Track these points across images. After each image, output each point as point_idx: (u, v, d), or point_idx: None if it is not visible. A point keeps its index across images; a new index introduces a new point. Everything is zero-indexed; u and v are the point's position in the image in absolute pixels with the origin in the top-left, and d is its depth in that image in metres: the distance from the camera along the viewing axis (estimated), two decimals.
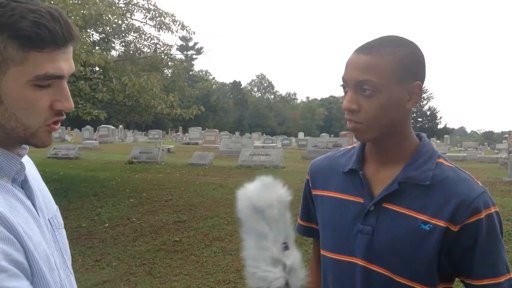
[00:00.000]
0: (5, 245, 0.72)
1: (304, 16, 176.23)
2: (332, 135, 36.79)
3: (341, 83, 1.10)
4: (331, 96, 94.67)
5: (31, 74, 0.77)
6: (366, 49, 1.05)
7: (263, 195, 0.86)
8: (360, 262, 1.11)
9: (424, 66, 1.09)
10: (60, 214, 1.02)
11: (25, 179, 0.88)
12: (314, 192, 1.27)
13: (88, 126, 26.21)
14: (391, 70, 1.03)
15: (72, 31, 0.80)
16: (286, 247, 0.85)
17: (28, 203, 0.85)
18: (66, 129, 33.61)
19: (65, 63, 0.80)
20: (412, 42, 1.08)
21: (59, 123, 0.85)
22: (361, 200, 1.13)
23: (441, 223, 1.04)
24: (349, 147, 1.28)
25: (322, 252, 1.23)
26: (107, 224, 6.48)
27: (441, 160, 1.13)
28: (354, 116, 1.07)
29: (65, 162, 13.59)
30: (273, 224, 0.84)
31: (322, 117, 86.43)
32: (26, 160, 0.95)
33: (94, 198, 7.89)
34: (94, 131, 27.49)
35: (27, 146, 0.90)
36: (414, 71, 1.06)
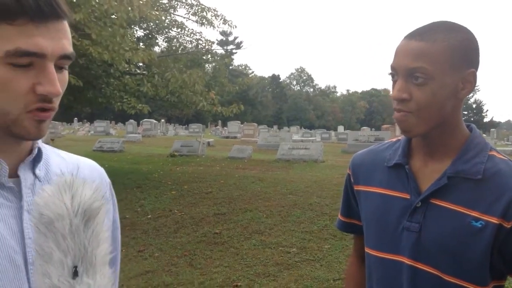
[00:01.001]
0: None
1: (345, 7, 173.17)
2: (373, 129, 36.10)
3: (390, 71, 1.05)
4: (372, 88, 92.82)
5: (1, 50, 0.66)
6: (417, 35, 1.00)
7: (53, 202, 0.64)
8: (406, 260, 1.07)
9: (478, 53, 1.03)
10: None
11: (29, 182, 0.77)
12: (356, 188, 1.23)
13: (131, 120, 27.02)
14: (444, 57, 0.98)
15: (56, 4, 0.69)
16: (75, 273, 0.63)
17: (5, 213, 0.73)
18: (110, 123, 34.73)
19: (47, 40, 0.68)
20: (466, 28, 1.02)
21: (49, 112, 0.73)
22: (407, 196, 1.09)
23: (494, 220, 0.99)
24: (394, 139, 1.22)
25: (366, 249, 1.19)
26: (149, 216, 6.66)
27: (493, 152, 1.07)
28: (404, 105, 1.01)
29: (109, 155, 14.05)
30: (61, 241, 0.63)
31: (362, 110, 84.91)
32: (70, 164, 0.87)
33: (137, 190, 8.13)
34: (137, 125, 28.26)
35: (37, 147, 0.80)
36: (468, 57, 1.01)
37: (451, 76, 0.99)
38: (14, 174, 0.76)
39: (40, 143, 0.82)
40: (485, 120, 68.54)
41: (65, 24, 0.72)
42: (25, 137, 0.73)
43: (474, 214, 1.01)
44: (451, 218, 1.01)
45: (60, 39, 0.70)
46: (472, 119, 66.60)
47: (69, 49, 0.73)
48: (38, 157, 0.80)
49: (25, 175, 0.77)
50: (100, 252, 0.65)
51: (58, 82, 0.71)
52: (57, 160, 0.86)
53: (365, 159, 1.24)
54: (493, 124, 65.60)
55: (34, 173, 0.79)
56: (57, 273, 0.62)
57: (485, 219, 1.00)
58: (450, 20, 1.04)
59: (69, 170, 0.82)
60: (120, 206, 7.17)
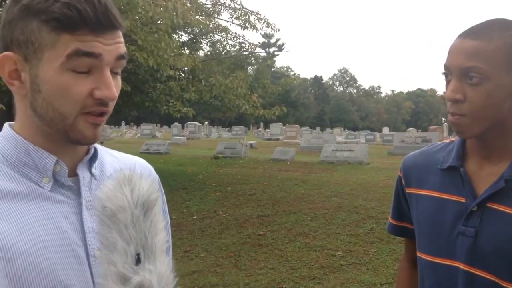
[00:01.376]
0: None
1: (388, 6, 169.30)
2: (420, 130, 35.06)
3: (443, 71, 1.02)
4: (418, 88, 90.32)
5: (63, 55, 0.72)
6: (472, 33, 0.97)
7: (114, 195, 0.68)
8: (462, 266, 1.04)
9: None
10: None
11: (87, 182, 0.82)
12: (408, 190, 1.20)
13: (176, 123, 27.63)
14: (501, 56, 0.94)
15: (111, 16, 0.74)
16: (138, 260, 0.67)
17: (67, 210, 0.79)
18: (156, 125, 35.68)
19: (104, 46, 0.74)
20: None
21: (104, 117, 0.78)
22: (463, 200, 1.05)
23: None
24: (447, 141, 1.18)
25: (419, 254, 1.16)
26: (195, 217, 6.78)
27: None
28: (458, 107, 0.98)
29: (156, 157, 14.43)
30: (124, 231, 0.67)
31: (408, 111, 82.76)
32: (126, 164, 0.91)
33: (183, 191, 8.29)
34: (182, 128, 28.87)
35: (92, 150, 0.85)
36: None
37: (508, 76, 0.95)
38: (72, 173, 0.82)
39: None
40: None
41: (120, 33, 0.78)
42: (82, 141, 0.78)
43: None
44: (509, 222, 0.97)
45: (115, 44, 0.76)
46: None
47: (124, 49, 0.78)
48: (94, 156, 0.85)
49: (83, 174, 0.82)
50: (158, 241, 0.69)
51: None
52: (110, 159, 0.92)
53: (417, 161, 1.20)
54: None
55: (90, 172, 0.84)
56: (121, 261, 0.66)
57: None
58: (507, 18, 1.00)
59: (122, 168, 0.83)
60: (167, 207, 7.41)
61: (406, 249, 1.34)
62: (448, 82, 1.01)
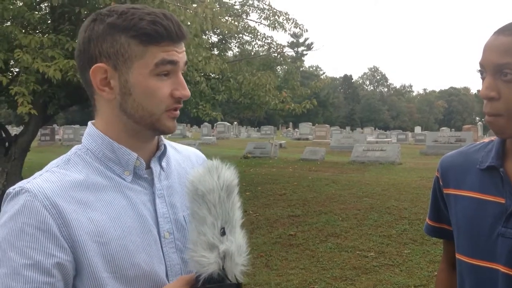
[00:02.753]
0: (41, 235, 0.82)
1: (419, 3, 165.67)
2: (453, 129, 34.16)
3: (478, 68, 1.00)
4: (451, 87, 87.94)
5: (151, 64, 0.87)
6: (507, 30, 0.95)
7: (205, 179, 0.85)
8: (502, 268, 1.01)
9: None
10: None
11: (159, 175, 0.97)
12: (446, 191, 1.17)
13: (206, 123, 27.88)
14: None
15: (182, 29, 0.90)
16: (223, 233, 0.84)
17: (142, 198, 0.93)
18: (186, 126, 36.13)
19: (178, 53, 0.90)
20: None
21: (178, 110, 0.94)
22: (503, 201, 1.02)
23: None
24: (486, 140, 1.16)
25: (458, 256, 1.14)
26: None
27: None
28: (492, 106, 0.96)
29: None
30: (213, 209, 0.84)
31: (441, 110, 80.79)
32: (184, 157, 1.08)
33: None
34: (212, 128, 29.13)
35: (162, 145, 1.00)
36: None
37: None
38: (146, 166, 0.97)
39: (162, 138, 1.02)
40: None
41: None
42: (165, 131, 0.94)
43: None
44: None
45: (183, 52, 0.92)
46: None
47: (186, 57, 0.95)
48: (164, 152, 1.01)
49: (155, 167, 0.98)
50: (237, 218, 0.87)
51: None
52: (172, 152, 1.07)
53: (455, 161, 1.18)
54: None
55: (160, 165, 0.99)
56: (211, 232, 0.84)
57: None
58: None
59: (182, 160, 1.07)
60: None
61: (444, 251, 1.32)
62: (483, 80, 0.99)
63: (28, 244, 0.80)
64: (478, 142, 1.20)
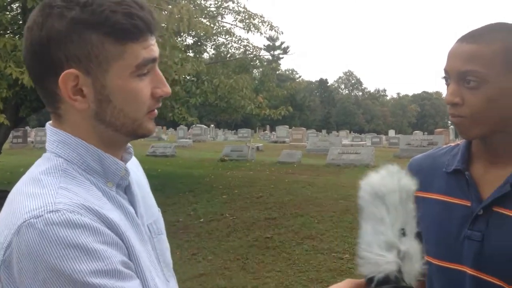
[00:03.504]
0: (115, 251, 0.73)
1: (392, 9, 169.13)
2: (426, 133, 34.89)
3: (443, 75, 1.03)
4: (423, 91, 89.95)
5: (132, 65, 0.76)
6: (470, 37, 0.97)
7: (386, 181, 0.84)
8: (469, 270, 1.03)
9: None
10: (162, 219, 0.98)
11: (129, 185, 0.87)
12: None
13: (182, 126, 27.65)
14: (500, 58, 0.94)
15: (154, 15, 0.80)
16: (403, 234, 0.81)
17: (131, 209, 0.84)
18: (162, 128, 35.79)
19: (155, 47, 0.80)
20: None
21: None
22: (468, 204, 1.04)
23: None
24: (453, 144, 1.18)
25: (427, 258, 1.15)
26: (202, 219, 6.79)
27: None
28: (457, 110, 0.99)
29: (162, 159, 14.48)
30: (393, 210, 0.82)
31: (414, 114, 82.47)
32: (133, 163, 0.95)
33: (189, 194, 8.31)
34: (188, 130, 28.93)
35: (132, 151, 0.91)
36: None
37: (510, 79, 0.95)
38: None
39: None
40: None
41: None
42: (146, 134, 0.85)
43: None
44: None
45: (155, 44, 0.81)
46: None
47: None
48: (131, 155, 0.92)
49: (130, 172, 0.89)
50: (413, 224, 0.84)
51: None
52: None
53: (423, 164, 1.20)
54: None
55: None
56: (390, 232, 0.81)
57: None
58: (505, 22, 1.00)
59: (135, 164, 0.97)
60: (173, 209, 7.39)
61: None
62: (448, 86, 1.01)
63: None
64: (445, 146, 1.22)
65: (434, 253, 1.12)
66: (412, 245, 0.81)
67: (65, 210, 0.70)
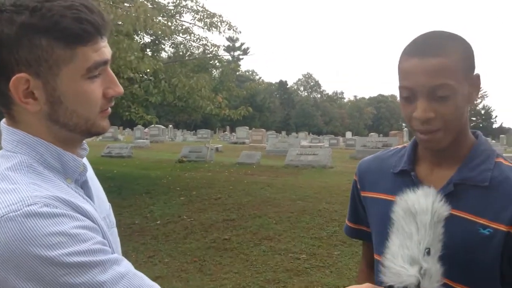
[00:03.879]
0: (95, 234, 0.78)
1: (351, 15, 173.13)
2: (381, 135, 35.93)
3: (401, 94, 1.01)
4: (379, 94, 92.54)
5: (83, 68, 0.79)
6: (429, 50, 0.97)
7: (421, 201, 0.90)
8: None
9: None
10: (112, 212, 1.03)
11: (86, 180, 0.91)
12: (363, 194, 1.23)
13: (139, 126, 27.06)
14: (460, 68, 0.97)
15: (105, 18, 0.82)
16: (428, 253, 0.87)
17: (91, 208, 0.88)
18: (118, 128, 34.92)
19: (106, 49, 0.82)
20: (457, 35, 1.03)
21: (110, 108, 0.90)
22: None
23: (502, 227, 0.98)
24: (400, 146, 1.22)
25: (376, 256, 1.19)
26: (159, 221, 6.66)
27: (500, 159, 1.06)
28: (430, 124, 0.99)
29: (118, 160, 14.12)
30: (422, 228, 0.88)
31: (370, 116, 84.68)
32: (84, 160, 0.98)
33: (146, 196, 8.14)
34: (144, 126, 28.33)
35: (87, 147, 0.94)
36: (473, 63, 1.02)
37: (466, 85, 0.99)
38: None
39: None
40: (494, 126, 67.91)
41: None
42: (101, 132, 0.88)
43: (482, 221, 1.00)
44: (459, 225, 0.99)
45: (107, 45, 0.84)
46: (480, 125, 66.04)
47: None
48: (86, 151, 0.95)
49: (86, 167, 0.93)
50: (438, 247, 0.89)
51: None
52: None
53: (371, 165, 1.24)
54: (502, 130, 64.86)
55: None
56: (416, 248, 0.86)
57: (493, 227, 0.99)
58: (438, 30, 1.03)
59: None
60: (129, 211, 7.22)
61: (364, 252, 1.36)
62: (406, 101, 1.01)
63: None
64: (392, 148, 1.25)
65: (382, 251, 1.14)
66: (434, 265, 0.87)
67: (42, 203, 0.73)
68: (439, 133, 1.01)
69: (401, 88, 1.02)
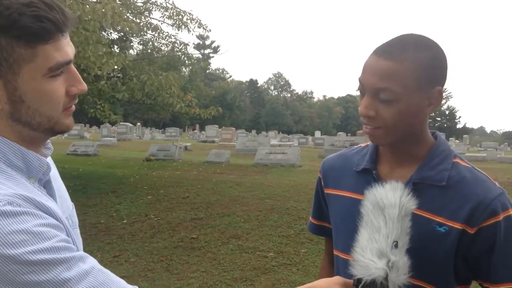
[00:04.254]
0: (58, 231, 0.77)
1: (321, 15, 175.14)
2: (349, 134, 36.51)
3: (358, 84, 1.06)
4: (348, 94, 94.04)
5: (44, 68, 0.77)
6: (386, 52, 1.00)
7: (389, 195, 0.92)
8: None
9: (446, 69, 1.04)
10: (75, 212, 1.02)
11: (49, 180, 0.90)
12: (326, 191, 1.26)
13: (106, 124, 26.53)
14: (412, 78, 0.98)
15: (67, 14, 0.80)
16: (396, 246, 0.89)
17: (56, 206, 0.87)
18: (84, 126, 34.09)
19: (69, 47, 0.81)
20: (436, 44, 1.03)
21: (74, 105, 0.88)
22: None
23: (457, 225, 1.02)
24: (363, 145, 1.25)
25: (335, 252, 1.21)
26: (125, 221, 6.56)
27: (457, 160, 1.10)
28: (370, 121, 1.03)
29: (84, 159, 13.80)
30: (390, 222, 0.90)
31: (339, 115, 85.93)
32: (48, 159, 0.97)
33: (112, 195, 7.99)
34: (112, 125, 27.81)
35: (51, 146, 0.93)
36: (435, 76, 1.01)
37: (418, 95, 1.00)
38: None
39: None
40: (458, 126, 70.13)
41: None
42: (65, 130, 0.87)
43: (439, 219, 1.03)
44: (416, 223, 1.02)
45: (70, 42, 0.82)
46: (445, 125, 68.07)
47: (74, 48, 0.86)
48: (50, 149, 0.94)
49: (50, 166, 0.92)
50: (406, 240, 0.92)
51: None
52: None
53: (335, 163, 1.27)
54: (466, 130, 67.22)
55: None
56: (384, 242, 0.88)
57: (449, 225, 1.02)
58: (421, 34, 1.04)
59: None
60: (95, 210, 7.08)
61: (326, 249, 1.40)
62: (362, 96, 1.05)
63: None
64: (355, 146, 1.28)
65: (343, 247, 1.17)
66: (402, 258, 0.90)
67: (5, 201, 0.72)
68: (379, 131, 1.04)
69: (358, 80, 1.06)
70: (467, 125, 77.23)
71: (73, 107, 0.86)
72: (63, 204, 0.95)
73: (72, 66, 0.83)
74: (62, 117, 0.83)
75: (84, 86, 0.84)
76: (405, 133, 1.05)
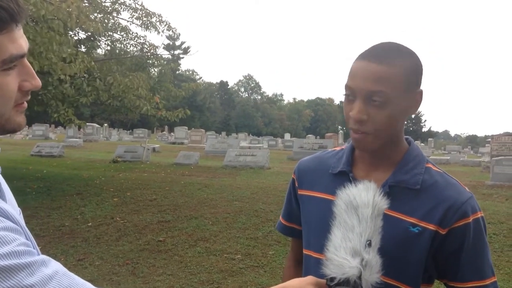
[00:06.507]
0: (17, 235, 0.73)
1: (291, 18, 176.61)
2: (318, 137, 36.97)
3: (345, 91, 1.09)
4: (317, 97, 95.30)
5: None
6: (376, 57, 1.04)
7: (362, 194, 0.94)
8: None
9: (422, 74, 1.12)
10: (22, 217, 0.97)
11: None
12: (300, 192, 1.28)
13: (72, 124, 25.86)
14: (401, 81, 1.04)
15: (21, 4, 0.74)
16: (369, 244, 0.91)
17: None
18: (50, 126, 33.15)
19: (23, 39, 0.76)
20: (413, 51, 1.10)
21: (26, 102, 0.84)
22: None
23: (430, 226, 1.07)
24: (338, 148, 1.29)
25: (307, 252, 1.23)
26: (90, 223, 6.43)
27: (429, 165, 1.15)
28: (361, 126, 1.06)
29: (48, 160, 13.42)
30: (363, 221, 0.91)
31: (308, 118, 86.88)
32: None
33: (77, 197, 7.81)
34: (78, 129, 27.15)
35: None
36: (418, 79, 1.09)
37: (405, 98, 1.06)
38: None
39: None
40: (424, 130, 72.04)
41: None
42: (16, 129, 0.81)
43: (412, 220, 1.08)
44: (390, 223, 1.06)
45: (24, 36, 0.77)
46: (411, 129, 69.75)
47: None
48: None
49: None
50: (378, 238, 0.94)
51: None
52: None
53: (311, 165, 1.29)
54: (431, 134, 69.11)
55: None
56: (357, 240, 0.90)
57: (422, 225, 1.07)
58: (396, 42, 1.10)
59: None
60: (59, 213, 6.91)
61: (292, 249, 1.42)
62: (349, 101, 1.08)
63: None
64: (331, 149, 1.32)
65: (316, 247, 1.19)
66: (374, 257, 0.91)
67: None
68: (369, 137, 1.08)
69: (345, 86, 1.09)
70: (432, 129, 79.55)
71: (25, 104, 0.80)
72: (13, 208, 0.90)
73: (26, 60, 0.77)
74: (13, 114, 0.77)
75: (38, 82, 0.79)
76: (388, 137, 1.09)
